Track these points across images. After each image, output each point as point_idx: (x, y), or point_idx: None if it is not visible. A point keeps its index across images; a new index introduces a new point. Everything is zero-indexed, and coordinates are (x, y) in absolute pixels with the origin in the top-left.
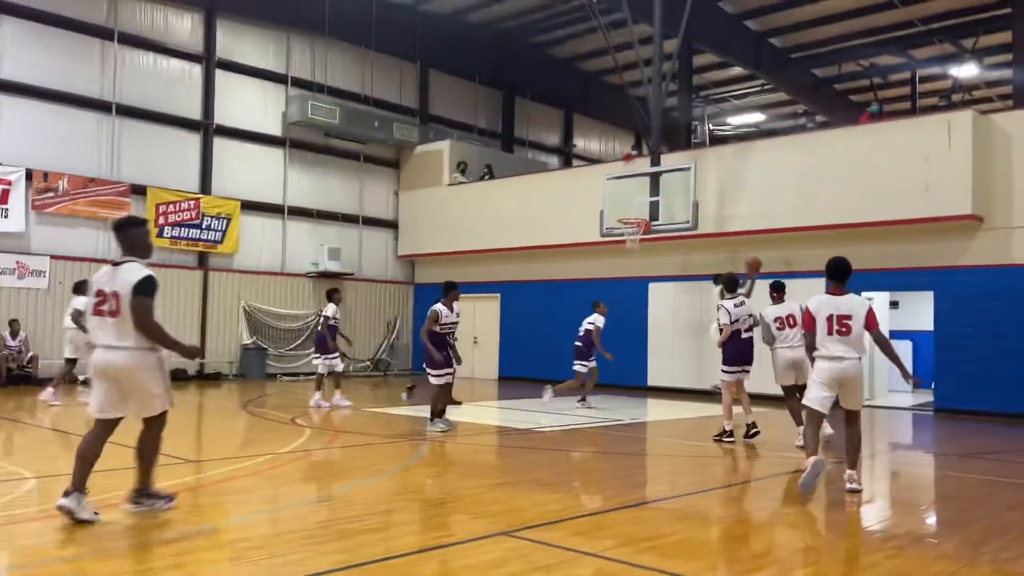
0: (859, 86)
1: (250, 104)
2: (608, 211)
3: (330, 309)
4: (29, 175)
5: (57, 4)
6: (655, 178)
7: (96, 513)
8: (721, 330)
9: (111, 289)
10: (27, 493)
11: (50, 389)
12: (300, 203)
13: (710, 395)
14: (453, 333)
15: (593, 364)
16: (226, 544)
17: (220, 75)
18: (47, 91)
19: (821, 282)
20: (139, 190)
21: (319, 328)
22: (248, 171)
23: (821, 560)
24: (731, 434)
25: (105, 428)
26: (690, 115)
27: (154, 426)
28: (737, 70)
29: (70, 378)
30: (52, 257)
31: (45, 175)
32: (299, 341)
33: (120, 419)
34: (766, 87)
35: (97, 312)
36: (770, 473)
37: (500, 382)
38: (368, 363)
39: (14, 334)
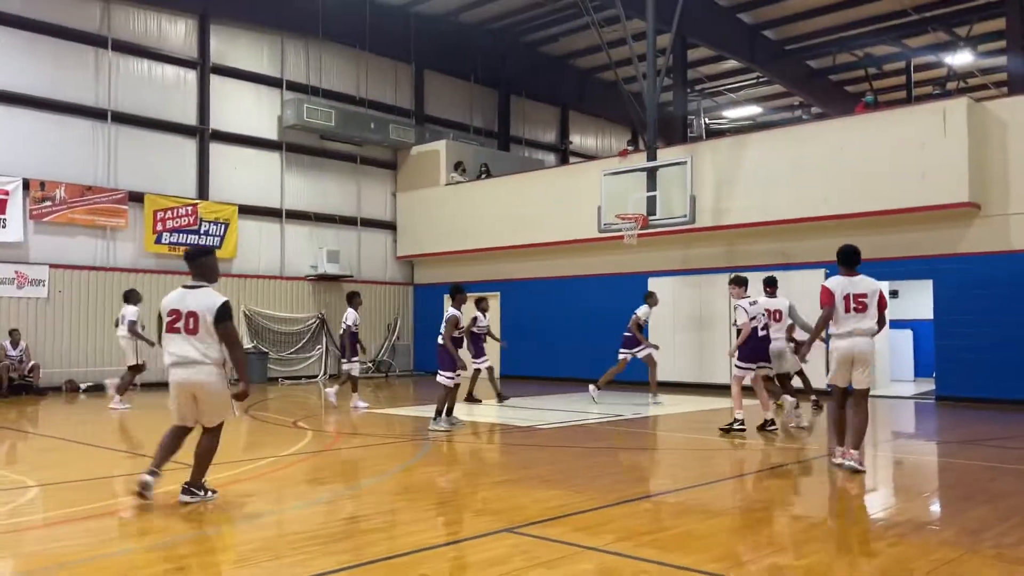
0: (854, 76)
1: (245, 108)
2: (606, 207)
3: (351, 315)
4: (26, 184)
5: (50, 13)
6: (652, 173)
7: (146, 491)
8: (740, 330)
9: (187, 310)
10: (30, 501)
11: (116, 396)
12: (298, 206)
13: (710, 389)
14: (485, 335)
15: (644, 352)
16: (230, 547)
17: (215, 80)
18: (42, 100)
19: (819, 273)
20: (136, 197)
21: (341, 334)
22: (245, 175)
23: (823, 549)
24: (742, 423)
25: (182, 431)
26: (685, 109)
27: (214, 433)
28: (732, 63)
29: (126, 383)
30: (51, 266)
31: (42, 184)
32: (300, 344)
33: (191, 428)
34: (761, 80)
35: (172, 329)
36: (771, 464)
37: (500, 380)
38: (369, 365)
39: (15, 343)
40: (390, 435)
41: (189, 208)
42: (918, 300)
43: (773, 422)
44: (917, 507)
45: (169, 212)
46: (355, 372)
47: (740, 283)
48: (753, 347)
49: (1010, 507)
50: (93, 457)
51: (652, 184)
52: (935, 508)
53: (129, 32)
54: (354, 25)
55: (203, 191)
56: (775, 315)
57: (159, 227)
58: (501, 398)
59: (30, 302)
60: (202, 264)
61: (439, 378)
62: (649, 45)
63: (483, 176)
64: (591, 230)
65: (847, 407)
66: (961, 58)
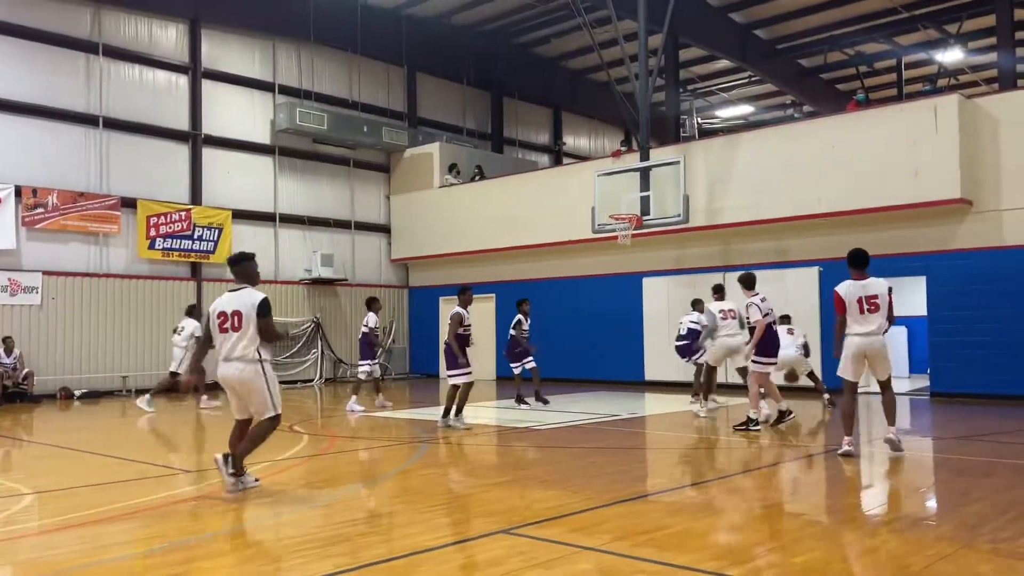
0: (845, 75)
1: (238, 113)
2: (599, 207)
3: (371, 319)
4: (18, 191)
5: (40, 19)
6: (645, 173)
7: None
8: (754, 326)
9: (232, 309)
10: (25, 509)
11: (204, 396)
12: (291, 210)
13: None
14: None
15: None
16: (227, 551)
17: (207, 85)
18: (33, 107)
19: (813, 271)
20: (129, 203)
21: (359, 337)
22: (238, 180)
23: (820, 546)
24: (757, 421)
25: (243, 424)
26: (678, 109)
27: (267, 423)
28: (724, 63)
29: (165, 387)
30: (44, 273)
31: (34, 191)
32: (295, 348)
33: (251, 419)
34: (753, 79)
35: (222, 330)
36: (767, 463)
37: (497, 382)
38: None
39: (8, 351)
40: (387, 438)
41: (182, 213)
42: (912, 297)
43: (790, 411)
44: (913, 503)
45: (162, 218)
46: (362, 375)
47: (744, 282)
48: (770, 343)
49: (1006, 502)
50: (87, 464)
51: (645, 184)
52: (931, 504)
53: (120, 37)
54: (346, 28)
55: (196, 196)
56: (730, 313)
57: (152, 233)
58: (519, 400)
59: (23, 309)
60: (243, 268)
61: (448, 378)
62: (641, 45)
63: (477, 178)
64: (585, 231)
65: (854, 398)
66: (952, 55)
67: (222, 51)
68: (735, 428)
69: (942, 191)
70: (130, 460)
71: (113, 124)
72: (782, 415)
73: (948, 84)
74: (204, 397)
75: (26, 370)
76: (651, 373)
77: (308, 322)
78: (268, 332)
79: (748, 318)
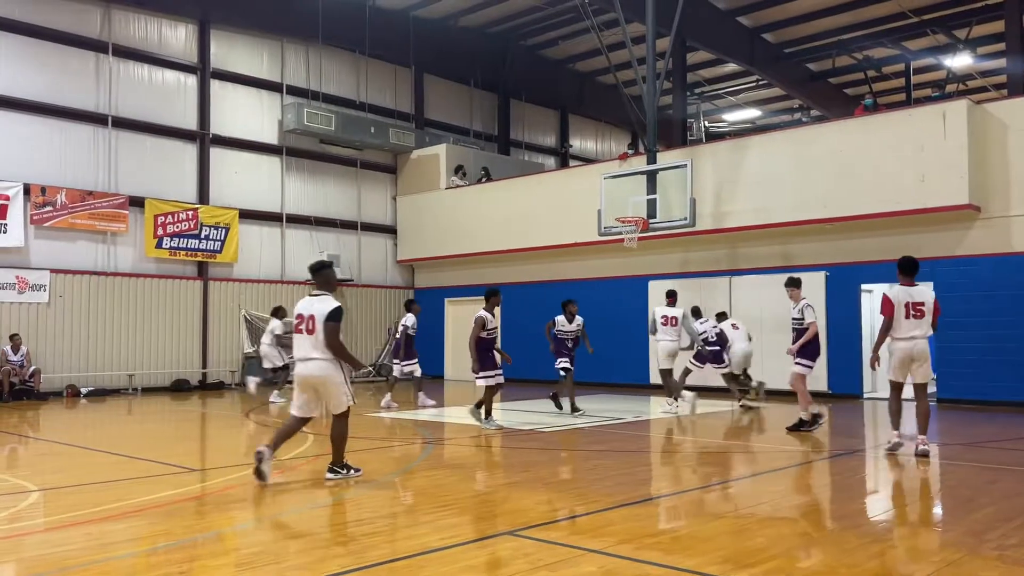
0: (854, 79)
1: (246, 113)
2: (606, 210)
3: (409, 319)
4: (27, 190)
5: (51, 18)
6: (652, 176)
7: (263, 470)
8: (807, 328)
9: (308, 313)
10: (31, 506)
11: (276, 392)
12: (298, 211)
13: (710, 392)
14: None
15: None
16: (231, 551)
17: (215, 85)
18: (43, 105)
19: (820, 276)
20: (137, 202)
21: (397, 336)
22: (245, 180)
23: (826, 552)
24: (809, 422)
25: (299, 421)
26: (685, 112)
27: (341, 419)
28: (731, 66)
29: (283, 380)
30: (52, 271)
31: (43, 189)
32: None
33: (311, 418)
34: (760, 83)
35: (298, 331)
36: (773, 467)
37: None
38: (370, 368)
39: (15, 349)
40: (392, 438)
41: (190, 213)
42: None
43: (819, 416)
44: (919, 509)
45: (170, 217)
46: (417, 373)
47: (797, 284)
48: (817, 345)
49: (1012, 509)
50: (93, 462)
51: (652, 187)
52: (937, 510)
53: (130, 37)
54: (354, 29)
55: (203, 196)
56: (672, 321)
57: (160, 232)
58: (555, 400)
59: (31, 307)
60: (323, 276)
61: (477, 381)
62: (649, 48)
63: (483, 180)
64: (591, 233)
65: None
66: (960, 60)
67: (231, 51)
68: (788, 430)
69: (950, 197)
70: (136, 458)
71: (122, 123)
72: (815, 418)
73: (957, 89)
74: (276, 392)
75: (33, 368)
76: (657, 376)
77: None
78: (331, 336)
79: (803, 320)
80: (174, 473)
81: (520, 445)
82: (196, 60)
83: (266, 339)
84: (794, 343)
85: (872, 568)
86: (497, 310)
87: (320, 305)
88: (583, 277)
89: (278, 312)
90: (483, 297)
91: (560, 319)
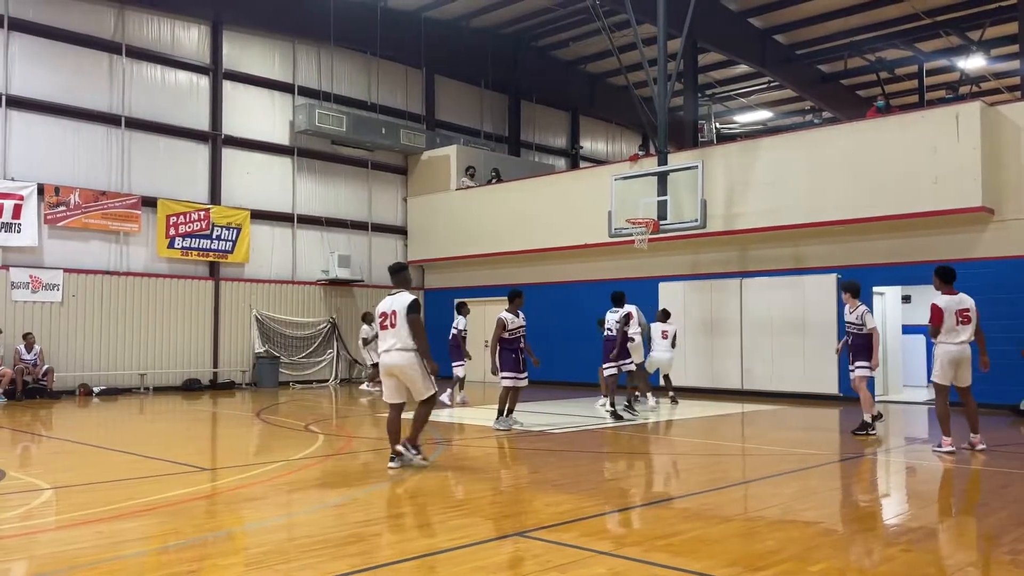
0: (866, 80)
1: (258, 114)
2: (616, 211)
3: (461, 322)
4: (41, 190)
5: (66, 20)
6: (662, 177)
7: (424, 459)
8: (869, 333)
9: (391, 309)
10: (43, 504)
11: (367, 383)
12: (309, 211)
13: (720, 394)
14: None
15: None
16: (241, 550)
17: (227, 86)
18: (57, 106)
19: (831, 278)
20: (149, 202)
21: (449, 338)
22: (257, 181)
23: (836, 555)
24: (873, 424)
25: (395, 409)
26: (696, 114)
27: (426, 404)
28: (743, 68)
29: (373, 375)
30: (65, 270)
31: (56, 189)
32: (311, 349)
33: (404, 404)
34: (772, 84)
35: (383, 327)
36: (783, 470)
37: None
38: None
39: (29, 347)
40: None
41: (202, 213)
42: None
43: (876, 420)
44: (931, 513)
45: (182, 217)
46: (460, 373)
47: (855, 292)
48: (870, 349)
49: None
50: (105, 460)
51: (663, 189)
52: (949, 514)
53: (143, 38)
54: (365, 30)
55: (215, 196)
56: (666, 333)
57: (172, 232)
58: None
59: (44, 306)
60: (401, 276)
61: (503, 381)
62: (660, 50)
63: (493, 181)
64: (601, 235)
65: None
66: (974, 62)
67: (243, 52)
68: (854, 433)
69: (963, 199)
70: (147, 457)
71: (135, 124)
72: (876, 418)
73: (970, 91)
74: (367, 384)
75: (46, 366)
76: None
77: (324, 323)
78: (415, 326)
79: (863, 325)
80: (185, 472)
81: (530, 446)
82: (208, 61)
83: (360, 343)
84: (850, 346)
85: (884, 572)
86: (521, 312)
87: (400, 300)
88: (593, 278)
89: (366, 317)
90: (506, 298)
91: (508, 317)
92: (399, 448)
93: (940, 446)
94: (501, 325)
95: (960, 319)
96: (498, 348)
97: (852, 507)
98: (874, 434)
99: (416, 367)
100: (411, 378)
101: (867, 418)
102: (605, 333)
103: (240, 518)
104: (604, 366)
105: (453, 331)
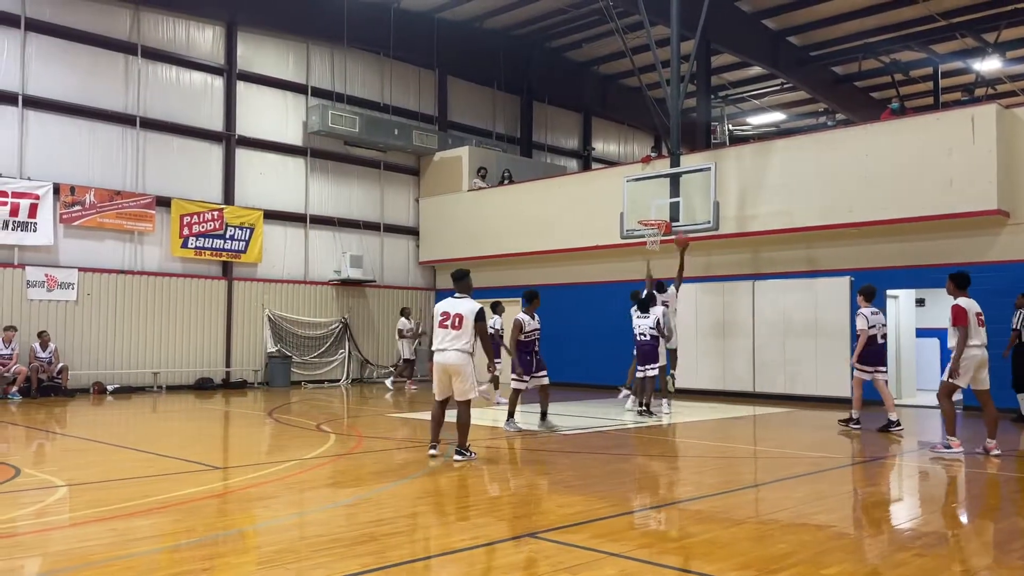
0: (880, 82)
1: (271, 115)
2: (628, 213)
3: (496, 321)
4: (56, 189)
5: (82, 20)
6: (675, 179)
7: (474, 454)
8: (858, 336)
9: (455, 312)
10: (58, 501)
11: (391, 379)
12: (322, 211)
13: (732, 396)
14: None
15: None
16: (253, 548)
17: (241, 86)
18: (73, 106)
19: (844, 281)
20: (163, 202)
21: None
22: (270, 181)
23: (848, 559)
24: (898, 422)
25: (440, 405)
26: (709, 116)
27: (466, 406)
28: (756, 69)
29: (401, 371)
30: (80, 269)
31: (72, 189)
32: (323, 348)
33: (448, 399)
34: (785, 86)
35: (442, 326)
36: (795, 473)
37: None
38: (391, 369)
39: (44, 345)
40: (413, 439)
41: (215, 213)
42: (946, 309)
43: (899, 422)
44: (943, 518)
45: (195, 217)
46: (496, 372)
47: (870, 294)
48: (871, 351)
49: None
50: (119, 458)
51: (675, 190)
52: (962, 519)
53: (158, 39)
54: (379, 31)
55: (229, 196)
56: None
57: (185, 232)
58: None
59: (60, 305)
60: (466, 282)
61: (512, 383)
62: (673, 51)
63: (505, 182)
64: (613, 236)
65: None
66: (989, 64)
67: (257, 53)
68: (879, 431)
69: (978, 202)
70: (160, 455)
71: (150, 124)
72: (890, 423)
73: (986, 93)
74: (404, 380)
75: (61, 364)
76: (678, 380)
77: (336, 322)
78: (484, 335)
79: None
80: (197, 471)
81: (541, 447)
82: (223, 62)
83: (397, 334)
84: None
85: None
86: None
87: (467, 306)
88: (605, 280)
89: (405, 311)
90: (521, 299)
91: (525, 319)
92: (456, 459)
93: (946, 447)
94: (518, 327)
95: (978, 322)
96: (512, 351)
97: (865, 510)
98: (899, 430)
99: (469, 369)
100: (463, 378)
101: (892, 416)
102: (639, 337)
103: (252, 517)
104: (643, 367)
105: (489, 331)
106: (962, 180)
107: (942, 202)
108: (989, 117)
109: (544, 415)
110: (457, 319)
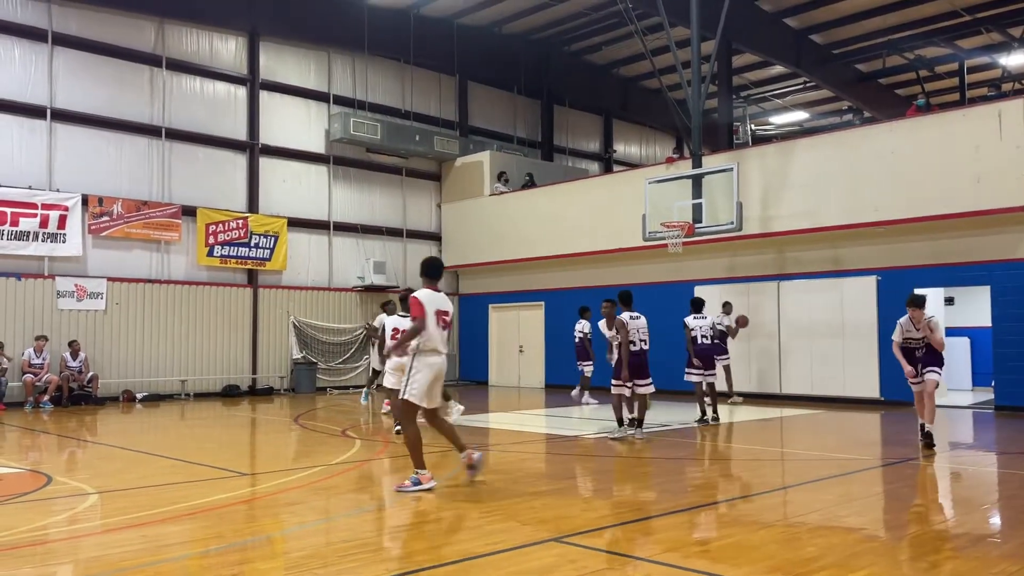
0: (905, 79)
1: (294, 123)
2: (650, 215)
3: (585, 325)
4: (85, 200)
5: (107, 34)
6: (697, 180)
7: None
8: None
9: (450, 311)
10: (89, 508)
11: (365, 391)
12: (345, 218)
13: (760, 398)
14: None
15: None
16: (280, 554)
17: (264, 96)
18: (100, 118)
19: (871, 280)
20: (189, 211)
21: (576, 341)
22: (294, 189)
23: (879, 561)
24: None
25: (432, 413)
26: (731, 116)
27: (439, 414)
28: (778, 69)
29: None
30: (109, 279)
31: (100, 200)
32: (348, 355)
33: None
34: (808, 84)
35: (446, 325)
36: (823, 475)
37: (546, 390)
38: None
39: (74, 355)
40: (437, 444)
41: (240, 221)
42: (975, 307)
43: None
44: (976, 520)
45: (221, 225)
46: (587, 373)
47: (921, 301)
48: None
49: None
50: (149, 465)
51: (698, 191)
52: (994, 521)
53: (182, 51)
54: (399, 39)
55: (253, 205)
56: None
57: (211, 240)
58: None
59: (89, 314)
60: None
61: (611, 388)
62: (693, 52)
63: (527, 186)
64: (636, 239)
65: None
66: (1016, 59)
67: (279, 63)
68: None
69: (1006, 198)
70: (189, 462)
71: (175, 135)
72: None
73: (1013, 88)
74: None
75: (91, 373)
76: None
77: (360, 329)
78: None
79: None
80: (226, 477)
81: (565, 452)
82: (246, 72)
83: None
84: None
85: None
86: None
87: (449, 303)
88: (628, 283)
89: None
90: (618, 300)
91: (626, 319)
92: (472, 459)
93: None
94: (625, 330)
95: None
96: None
97: (894, 513)
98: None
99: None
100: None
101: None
102: (700, 341)
103: (280, 522)
104: (692, 371)
105: (579, 335)
106: (990, 176)
107: (969, 199)
108: (1016, 112)
109: (620, 422)
110: (448, 318)
